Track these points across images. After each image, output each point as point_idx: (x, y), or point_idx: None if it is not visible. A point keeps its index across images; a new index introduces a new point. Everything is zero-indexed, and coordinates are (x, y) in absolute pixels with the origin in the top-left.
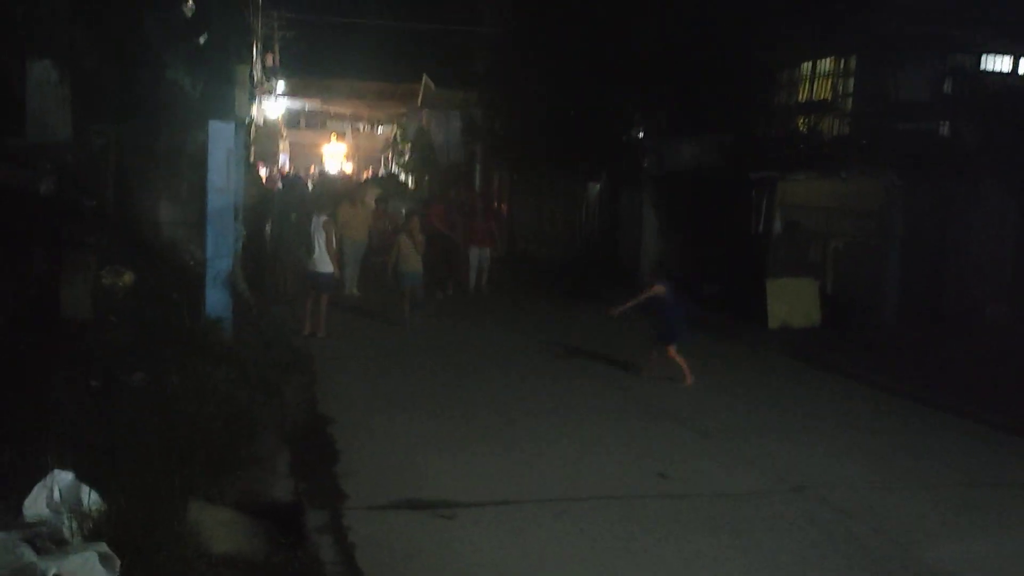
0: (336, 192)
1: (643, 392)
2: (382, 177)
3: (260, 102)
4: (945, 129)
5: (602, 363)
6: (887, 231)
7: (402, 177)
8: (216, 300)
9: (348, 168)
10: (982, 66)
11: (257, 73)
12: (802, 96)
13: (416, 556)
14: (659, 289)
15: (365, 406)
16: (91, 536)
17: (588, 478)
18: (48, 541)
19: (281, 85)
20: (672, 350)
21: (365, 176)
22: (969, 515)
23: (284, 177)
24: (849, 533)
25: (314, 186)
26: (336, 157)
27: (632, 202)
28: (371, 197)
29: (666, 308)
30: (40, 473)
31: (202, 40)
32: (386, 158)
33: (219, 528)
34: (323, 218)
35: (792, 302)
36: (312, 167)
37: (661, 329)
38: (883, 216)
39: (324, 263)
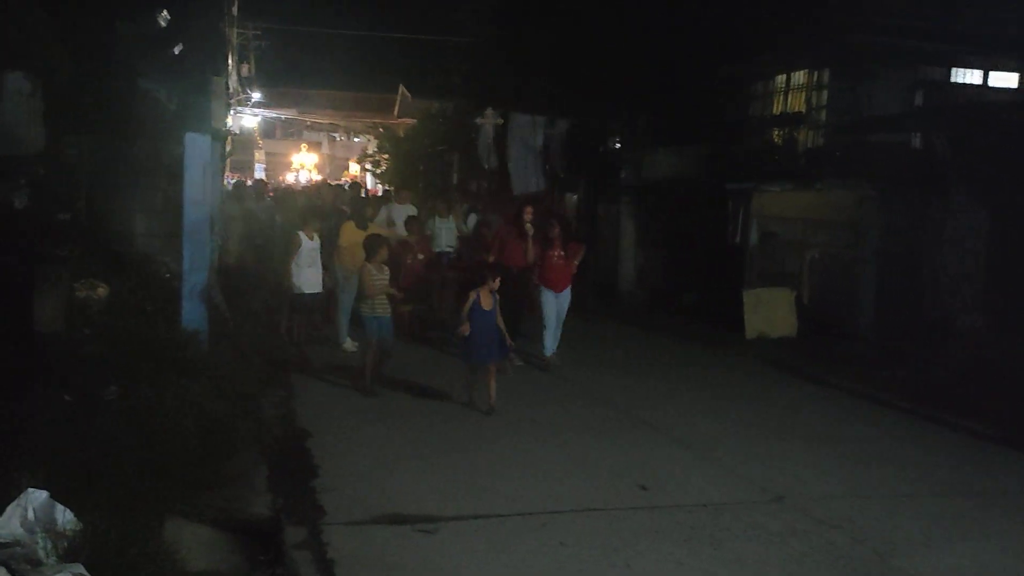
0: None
1: (623, 403)
2: (395, 191)
3: (236, 112)
4: (917, 141)
5: (580, 374)
6: (862, 242)
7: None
8: (192, 312)
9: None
10: (952, 79)
11: (233, 83)
12: (777, 108)
13: (396, 571)
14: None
15: (344, 419)
16: (66, 556)
17: (570, 490)
18: (23, 562)
19: (257, 95)
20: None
21: (366, 187)
22: (948, 524)
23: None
24: (829, 543)
25: (276, 196)
26: (307, 167)
27: (610, 212)
28: (397, 216)
29: (474, 320)
30: (13, 492)
31: (177, 50)
32: (362, 168)
33: (197, 546)
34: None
35: (769, 312)
36: (282, 177)
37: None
38: (858, 227)
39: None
